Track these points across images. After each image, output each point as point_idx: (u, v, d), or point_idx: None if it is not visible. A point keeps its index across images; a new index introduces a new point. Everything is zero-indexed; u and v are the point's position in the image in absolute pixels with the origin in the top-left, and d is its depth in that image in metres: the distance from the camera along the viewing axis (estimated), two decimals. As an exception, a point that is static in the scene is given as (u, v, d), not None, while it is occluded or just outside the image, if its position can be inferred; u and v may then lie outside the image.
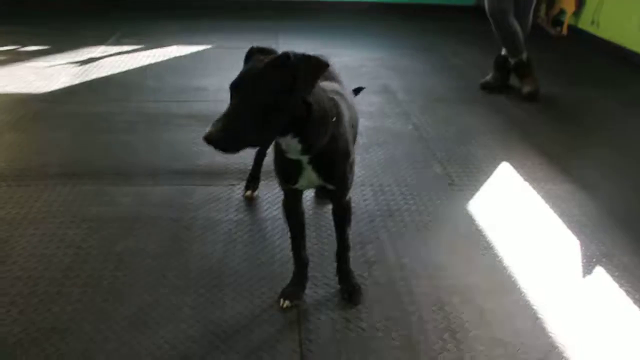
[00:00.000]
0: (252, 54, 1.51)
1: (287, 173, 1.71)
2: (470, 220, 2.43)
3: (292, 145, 1.55)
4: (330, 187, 1.74)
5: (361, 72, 4.32)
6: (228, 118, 1.35)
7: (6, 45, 4.81)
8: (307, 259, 1.95)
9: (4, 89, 3.80)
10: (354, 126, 1.85)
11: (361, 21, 6.11)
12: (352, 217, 1.91)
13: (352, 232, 2.01)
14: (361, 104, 3.61)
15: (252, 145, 1.44)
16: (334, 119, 1.60)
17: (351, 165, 1.74)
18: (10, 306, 1.86)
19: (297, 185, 1.74)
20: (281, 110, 1.40)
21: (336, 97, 1.70)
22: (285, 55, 1.41)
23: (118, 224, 2.33)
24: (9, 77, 4.02)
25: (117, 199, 2.52)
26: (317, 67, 1.44)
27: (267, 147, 1.43)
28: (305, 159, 1.62)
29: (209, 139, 1.32)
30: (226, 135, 1.33)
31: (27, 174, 2.69)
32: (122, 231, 2.29)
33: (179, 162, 2.85)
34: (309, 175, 1.67)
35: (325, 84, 1.76)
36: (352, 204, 1.88)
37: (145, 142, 3.08)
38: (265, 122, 1.38)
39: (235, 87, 1.40)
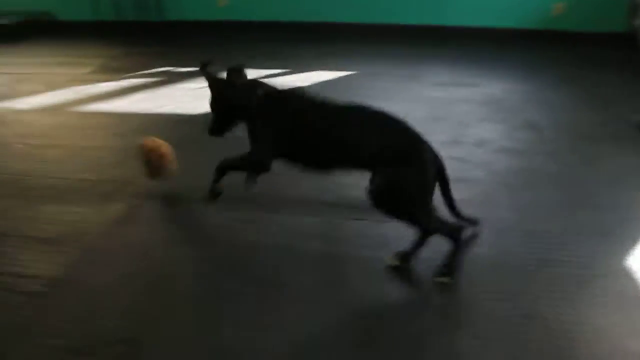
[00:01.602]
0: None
1: None
2: (628, 277, 2.32)
3: None
4: None
5: (504, 106, 4.22)
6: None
7: (162, 66, 5.20)
8: None
9: (162, 109, 4.13)
10: None
11: (499, 49, 5.94)
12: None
13: (503, 281, 1.97)
14: (507, 140, 3.54)
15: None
16: None
17: None
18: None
19: None
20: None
21: None
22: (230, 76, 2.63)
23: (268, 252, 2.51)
24: (166, 98, 4.35)
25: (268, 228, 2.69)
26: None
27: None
28: None
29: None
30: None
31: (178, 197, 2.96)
32: (275, 260, 2.44)
33: (329, 193, 2.96)
34: None
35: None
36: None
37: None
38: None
39: None
